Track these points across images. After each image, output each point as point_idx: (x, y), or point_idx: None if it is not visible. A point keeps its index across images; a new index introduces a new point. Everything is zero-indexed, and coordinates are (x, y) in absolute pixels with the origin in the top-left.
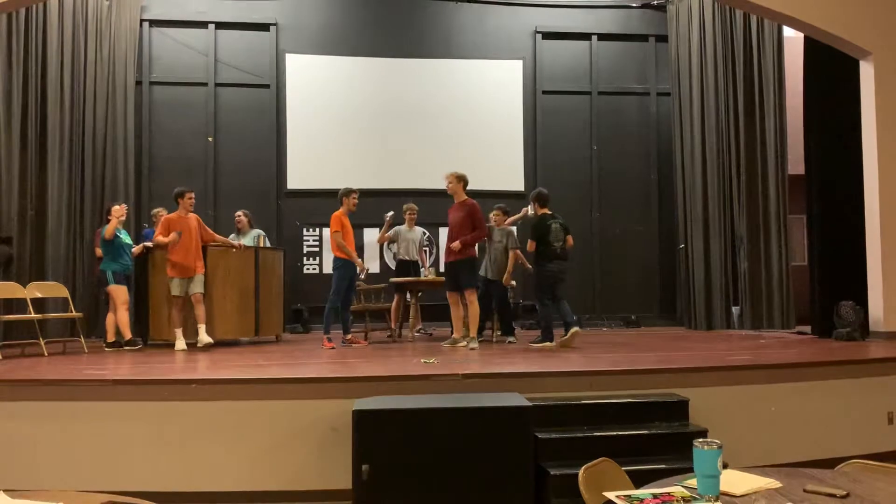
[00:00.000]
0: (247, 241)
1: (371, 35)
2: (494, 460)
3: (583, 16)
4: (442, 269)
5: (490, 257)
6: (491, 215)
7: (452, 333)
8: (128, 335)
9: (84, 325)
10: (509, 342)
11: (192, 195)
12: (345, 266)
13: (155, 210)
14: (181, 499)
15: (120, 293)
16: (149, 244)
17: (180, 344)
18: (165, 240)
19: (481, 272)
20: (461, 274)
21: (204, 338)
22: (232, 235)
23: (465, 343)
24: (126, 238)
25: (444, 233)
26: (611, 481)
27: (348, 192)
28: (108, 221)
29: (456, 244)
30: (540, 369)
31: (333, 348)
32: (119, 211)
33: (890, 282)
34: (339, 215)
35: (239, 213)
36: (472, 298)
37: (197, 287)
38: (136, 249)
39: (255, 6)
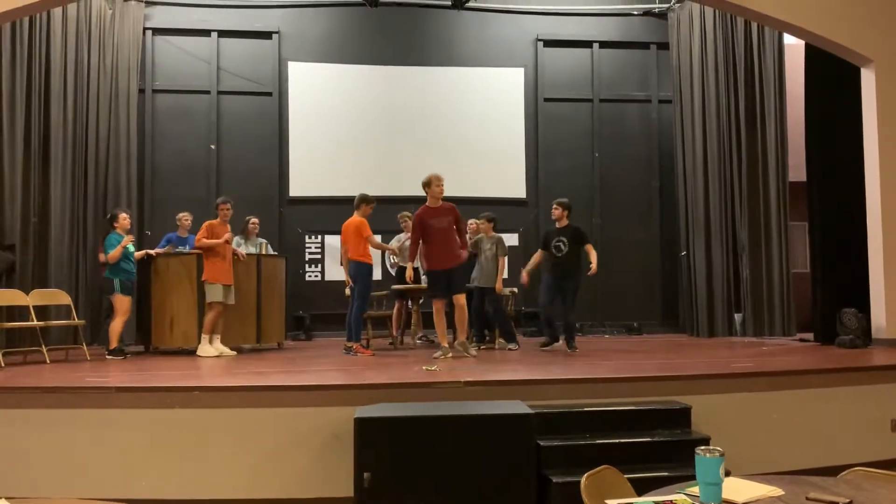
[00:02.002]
0: (251, 248)
1: (373, 43)
2: (496, 468)
3: (584, 23)
4: None
5: (480, 266)
6: (475, 223)
7: (443, 343)
8: (114, 344)
9: (86, 333)
10: (509, 349)
11: (229, 206)
12: (367, 270)
13: (181, 214)
14: None
15: (124, 303)
16: (151, 251)
17: (220, 349)
18: (218, 241)
19: (472, 281)
20: (458, 278)
21: (224, 349)
22: (237, 238)
23: (451, 353)
24: (130, 246)
25: None
26: (613, 489)
27: (366, 199)
28: (113, 228)
29: (464, 252)
30: (542, 377)
31: (373, 354)
32: (128, 239)
33: (892, 288)
34: (363, 221)
35: (254, 218)
36: (463, 301)
37: (233, 297)
38: (136, 255)
39: (258, 14)
